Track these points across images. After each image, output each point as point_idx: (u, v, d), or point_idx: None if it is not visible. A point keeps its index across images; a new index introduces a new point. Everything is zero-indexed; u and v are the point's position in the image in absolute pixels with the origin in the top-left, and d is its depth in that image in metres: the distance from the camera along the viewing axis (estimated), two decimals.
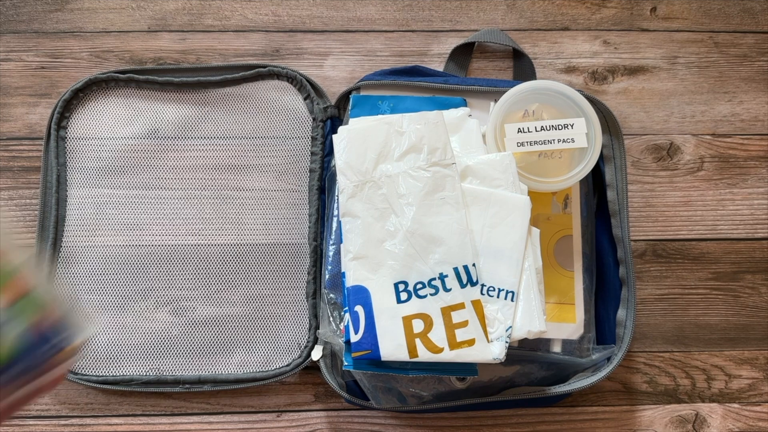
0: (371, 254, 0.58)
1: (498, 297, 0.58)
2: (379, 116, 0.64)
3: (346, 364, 0.59)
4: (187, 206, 0.68)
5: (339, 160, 0.60)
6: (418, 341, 0.56)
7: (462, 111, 0.64)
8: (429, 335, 0.56)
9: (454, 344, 0.56)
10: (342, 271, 0.60)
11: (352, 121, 0.64)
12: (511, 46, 0.72)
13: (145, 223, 0.68)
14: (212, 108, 0.70)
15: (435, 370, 0.58)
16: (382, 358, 0.56)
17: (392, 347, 0.56)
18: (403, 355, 0.56)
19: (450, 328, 0.56)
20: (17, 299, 0.36)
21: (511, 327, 0.57)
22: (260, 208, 0.69)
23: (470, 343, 0.56)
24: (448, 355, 0.56)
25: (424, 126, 0.60)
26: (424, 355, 0.56)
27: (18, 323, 0.36)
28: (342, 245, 0.60)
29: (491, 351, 0.56)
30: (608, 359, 0.64)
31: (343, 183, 0.60)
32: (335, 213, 0.63)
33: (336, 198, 0.64)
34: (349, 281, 0.58)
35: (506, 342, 0.57)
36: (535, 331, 0.58)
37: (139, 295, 0.66)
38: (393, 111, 0.66)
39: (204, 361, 0.66)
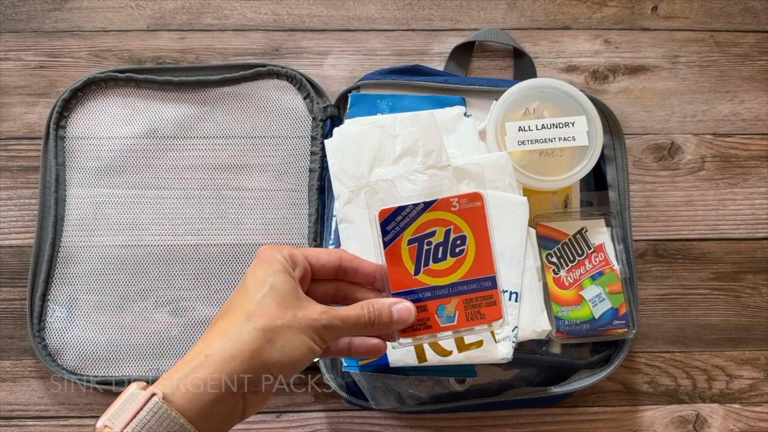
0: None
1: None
2: (371, 118, 0.63)
3: (345, 365, 0.59)
4: (186, 206, 0.68)
5: (333, 165, 0.60)
6: (426, 345, 0.56)
7: (457, 110, 0.64)
8: None
9: (462, 347, 0.56)
10: None
11: (346, 122, 0.64)
12: (512, 45, 0.72)
13: (144, 223, 0.67)
14: (211, 107, 0.70)
15: (434, 371, 0.58)
16: (391, 365, 0.56)
17: (400, 353, 0.56)
18: (411, 360, 0.56)
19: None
20: None
21: (517, 327, 0.57)
22: (260, 208, 0.68)
23: (478, 344, 0.56)
24: (457, 358, 0.56)
25: (417, 128, 0.59)
26: (433, 358, 0.55)
27: None
28: None
29: (499, 351, 0.56)
30: (608, 360, 0.64)
31: (339, 189, 0.59)
32: (335, 213, 0.63)
33: (336, 198, 0.64)
34: None
35: (513, 342, 0.57)
36: (539, 330, 0.58)
37: (138, 295, 0.66)
38: (392, 110, 0.66)
39: None
